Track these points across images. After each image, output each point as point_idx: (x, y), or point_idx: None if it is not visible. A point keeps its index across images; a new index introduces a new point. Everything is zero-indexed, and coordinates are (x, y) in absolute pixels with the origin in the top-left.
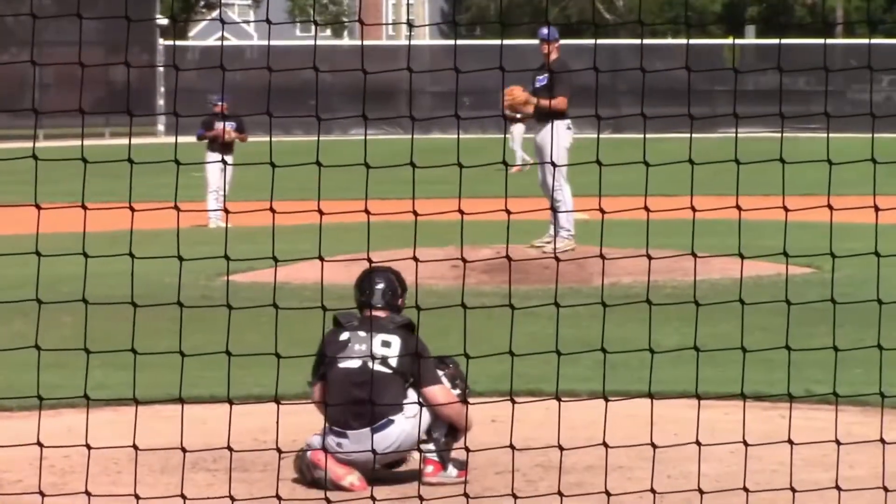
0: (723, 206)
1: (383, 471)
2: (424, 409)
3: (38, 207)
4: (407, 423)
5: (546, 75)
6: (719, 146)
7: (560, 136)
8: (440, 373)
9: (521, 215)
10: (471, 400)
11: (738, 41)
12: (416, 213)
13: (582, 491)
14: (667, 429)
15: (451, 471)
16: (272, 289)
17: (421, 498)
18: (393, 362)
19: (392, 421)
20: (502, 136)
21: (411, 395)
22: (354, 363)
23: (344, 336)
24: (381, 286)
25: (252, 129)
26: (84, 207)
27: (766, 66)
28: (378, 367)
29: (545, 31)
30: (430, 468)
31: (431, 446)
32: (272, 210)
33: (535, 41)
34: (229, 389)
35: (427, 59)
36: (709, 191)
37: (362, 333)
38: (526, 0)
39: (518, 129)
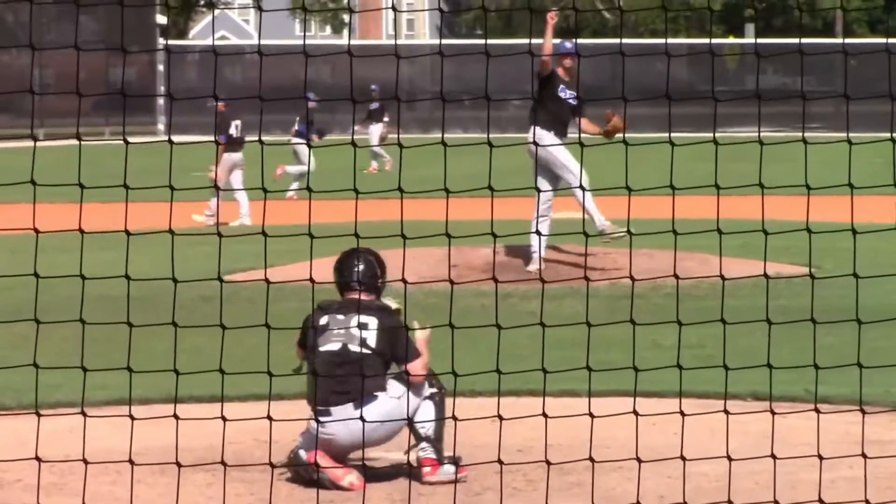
0: (724, 205)
1: (374, 465)
2: (411, 394)
3: (37, 231)
4: (390, 402)
5: (573, 93)
6: (721, 145)
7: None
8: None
9: (523, 215)
10: (470, 400)
11: (737, 41)
12: (404, 237)
13: (582, 491)
14: (667, 429)
15: (449, 468)
16: (275, 290)
17: (409, 500)
18: (371, 342)
19: (376, 397)
20: (494, 134)
21: (393, 383)
22: (334, 346)
23: (323, 321)
24: (360, 268)
25: (246, 130)
26: (81, 232)
27: (765, 66)
28: (356, 348)
29: (569, 44)
30: (427, 468)
31: (424, 444)
32: (264, 234)
33: (537, 41)
34: (221, 390)
35: (426, 59)
36: (711, 191)
37: (340, 316)
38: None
39: (375, 129)
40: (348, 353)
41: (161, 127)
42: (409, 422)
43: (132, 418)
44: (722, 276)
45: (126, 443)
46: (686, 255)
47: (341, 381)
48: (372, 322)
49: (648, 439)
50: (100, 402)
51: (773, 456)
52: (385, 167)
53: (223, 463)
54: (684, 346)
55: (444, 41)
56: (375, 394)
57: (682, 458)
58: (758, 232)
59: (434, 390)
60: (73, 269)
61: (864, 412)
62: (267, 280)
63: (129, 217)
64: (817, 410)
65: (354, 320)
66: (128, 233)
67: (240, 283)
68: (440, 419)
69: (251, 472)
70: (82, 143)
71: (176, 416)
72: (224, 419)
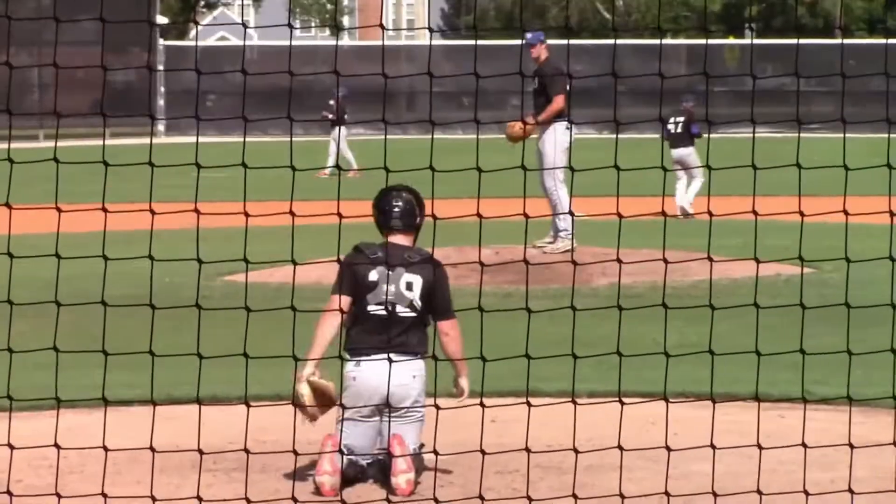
0: (724, 205)
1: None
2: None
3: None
4: (424, 370)
5: (537, 79)
6: (719, 146)
7: (558, 138)
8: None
9: (521, 216)
10: (472, 400)
11: (736, 41)
12: (435, 217)
13: (582, 492)
14: (666, 429)
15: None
16: (272, 289)
17: (436, 500)
18: (417, 304)
19: (417, 354)
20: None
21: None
22: (384, 310)
23: (373, 276)
24: (399, 206)
25: (242, 130)
26: (104, 210)
27: (764, 66)
28: (405, 310)
29: (529, 35)
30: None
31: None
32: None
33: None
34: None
35: (426, 59)
36: (712, 191)
37: (391, 273)
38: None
39: (342, 132)
40: (396, 315)
41: (161, 127)
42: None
43: (154, 405)
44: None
45: (126, 443)
46: (685, 255)
47: (385, 338)
48: (417, 281)
49: (648, 439)
50: (99, 402)
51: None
52: (350, 172)
53: (246, 450)
54: (684, 345)
55: (444, 42)
56: (417, 352)
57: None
58: (761, 231)
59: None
60: (74, 269)
61: (876, 410)
62: (294, 263)
63: (129, 217)
64: (850, 403)
65: (403, 280)
66: (153, 211)
67: (240, 283)
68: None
69: (251, 472)
70: (81, 143)
71: (199, 405)
72: (248, 404)
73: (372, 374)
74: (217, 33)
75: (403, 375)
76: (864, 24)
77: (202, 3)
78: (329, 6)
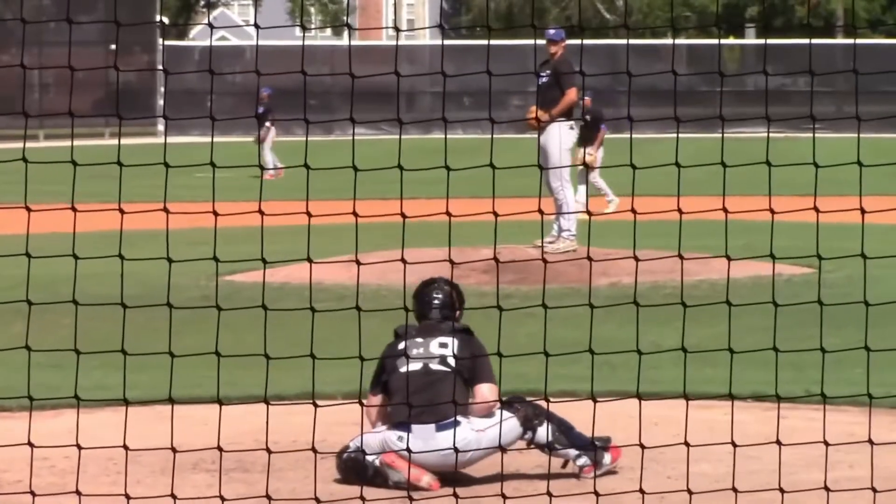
0: (716, 206)
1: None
2: (504, 424)
3: (29, 210)
4: (471, 434)
5: (548, 72)
6: (719, 146)
7: (563, 137)
8: (509, 414)
9: (519, 216)
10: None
11: (737, 41)
12: (404, 216)
13: (582, 490)
14: (667, 430)
15: (605, 458)
16: (272, 289)
17: (411, 499)
18: (451, 361)
19: (458, 422)
20: (495, 136)
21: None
22: (415, 366)
23: (401, 345)
24: (438, 299)
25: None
26: (74, 210)
27: (766, 66)
28: (437, 366)
29: (552, 31)
30: (587, 468)
31: (585, 459)
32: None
33: (536, 41)
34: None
35: (426, 60)
36: (710, 191)
37: (420, 339)
38: (526, 1)
39: (263, 134)
40: (430, 372)
41: (161, 128)
42: (549, 449)
43: (126, 405)
44: (729, 261)
45: (125, 443)
46: (686, 256)
47: (423, 400)
48: (451, 342)
49: (648, 439)
50: (99, 403)
51: (777, 444)
52: (276, 174)
53: (219, 448)
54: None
55: (445, 42)
56: (458, 419)
57: (687, 444)
58: (762, 232)
59: (529, 434)
60: (71, 269)
61: (870, 410)
62: (264, 263)
63: (129, 218)
64: (824, 402)
65: (434, 342)
66: (122, 211)
67: (240, 283)
68: (558, 423)
69: (251, 472)
70: (82, 143)
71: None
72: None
73: (417, 447)
74: (217, 33)
75: (449, 447)
76: (866, 23)
77: (202, 2)
78: (331, 6)
